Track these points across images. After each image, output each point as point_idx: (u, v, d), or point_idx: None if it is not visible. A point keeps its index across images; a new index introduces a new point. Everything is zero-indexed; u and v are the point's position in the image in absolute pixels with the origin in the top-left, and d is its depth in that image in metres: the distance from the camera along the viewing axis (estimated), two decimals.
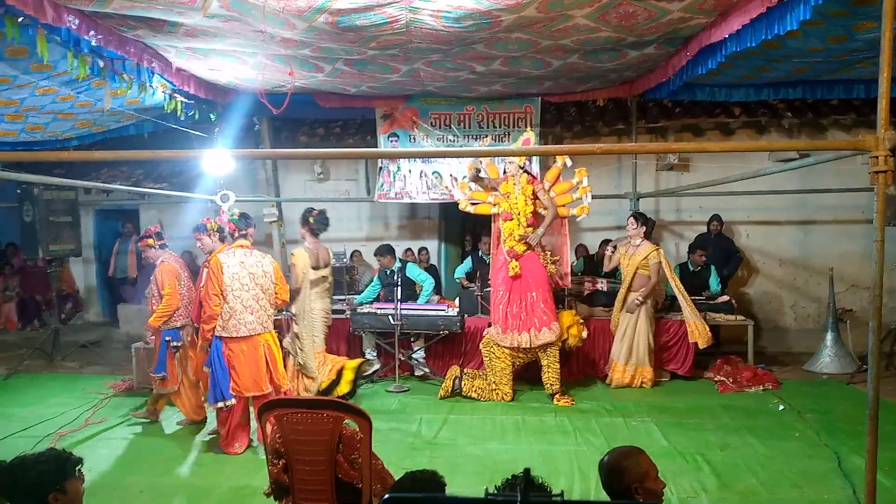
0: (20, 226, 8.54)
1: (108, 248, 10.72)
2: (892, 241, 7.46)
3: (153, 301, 5.91)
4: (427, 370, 7.51)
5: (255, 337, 5.25)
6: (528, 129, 7.40)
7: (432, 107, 8.51)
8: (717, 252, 8.50)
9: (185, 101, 6.99)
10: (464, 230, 10.23)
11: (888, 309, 6.98)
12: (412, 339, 7.52)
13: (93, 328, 10.44)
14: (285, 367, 5.85)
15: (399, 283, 7.22)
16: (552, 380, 6.59)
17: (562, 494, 1.13)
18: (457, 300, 7.74)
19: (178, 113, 6.99)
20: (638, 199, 8.59)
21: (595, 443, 5.37)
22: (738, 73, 6.83)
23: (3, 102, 6.27)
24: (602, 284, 7.97)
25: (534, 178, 6.90)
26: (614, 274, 7.84)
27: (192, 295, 6.02)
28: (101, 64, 5.34)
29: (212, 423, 5.76)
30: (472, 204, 7.07)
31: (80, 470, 2.66)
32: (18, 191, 8.64)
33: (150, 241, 6.02)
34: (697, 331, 6.95)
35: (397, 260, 7.74)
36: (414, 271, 7.78)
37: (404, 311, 7.14)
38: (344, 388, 6.42)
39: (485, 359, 6.81)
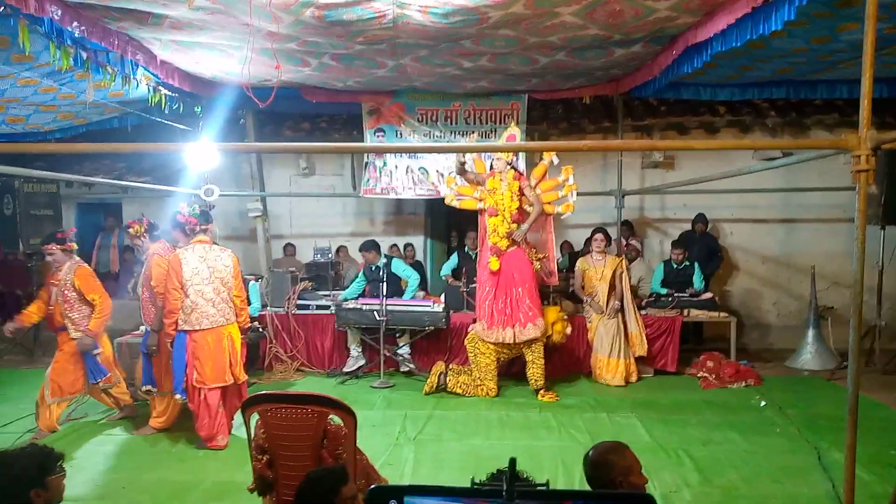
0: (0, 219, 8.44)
1: (90, 242, 10.60)
2: (873, 240, 7.61)
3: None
4: (412, 366, 7.51)
5: (219, 329, 5.35)
6: (513, 124, 7.40)
7: (419, 102, 8.48)
8: (702, 250, 8.57)
9: (170, 94, 6.92)
10: (450, 226, 10.22)
11: (868, 306, 7.04)
12: (397, 335, 7.51)
13: None
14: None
15: (384, 279, 7.21)
16: (537, 375, 6.61)
17: (547, 484, 1.14)
18: (442, 296, 7.74)
19: (163, 106, 6.91)
20: (623, 197, 8.62)
21: (579, 438, 5.40)
22: (724, 72, 6.87)
23: None
24: None
25: (520, 174, 6.91)
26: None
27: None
28: (85, 55, 5.26)
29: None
30: (459, 199, 7.07)
31: (61, 466, 2.65)
32: None
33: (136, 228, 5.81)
34: (636, 341, 7.24)
35: (382, 256, 7.73)
36: (399, 267, 7.77)
37: (389, 307, 7.13)
38: None
39: (469, 354, 6.82)
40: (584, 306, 7.53)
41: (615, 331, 7.12)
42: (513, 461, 1.01)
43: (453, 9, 4.79)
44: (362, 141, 8.65)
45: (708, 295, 7.94)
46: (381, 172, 8.73)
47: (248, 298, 7.37)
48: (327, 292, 7.96)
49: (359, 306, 7.36)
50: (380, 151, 8.80)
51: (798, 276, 9.23)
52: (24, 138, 8.13)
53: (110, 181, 8.54)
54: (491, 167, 6.89)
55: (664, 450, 5.11)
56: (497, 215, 6.64)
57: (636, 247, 9.00)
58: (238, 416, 5.31)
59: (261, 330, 7.46)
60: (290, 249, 9.73)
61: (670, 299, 7.76)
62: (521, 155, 8.11)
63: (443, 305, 7.35)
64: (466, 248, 8.47)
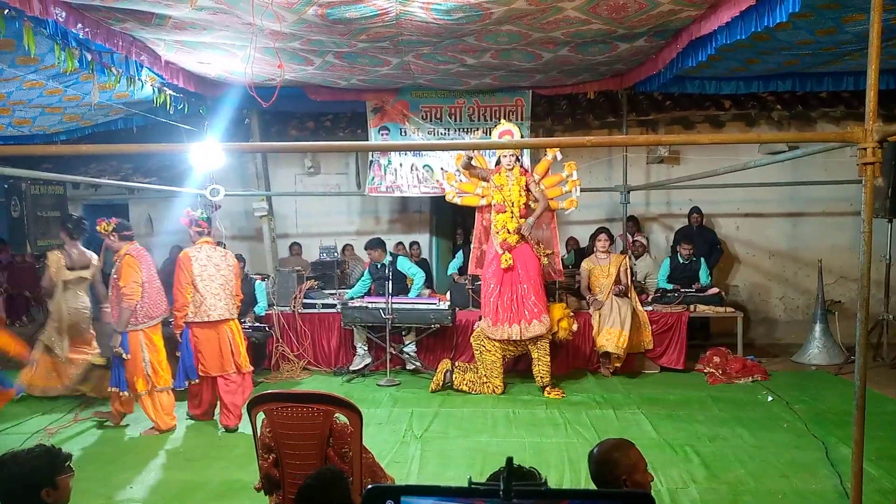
0: (7, 221, 8.46)
1: (97, 243, 10.64)
2: (879, 233, 7.56)
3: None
4: (418, 364, 7.51)
5: (222, 323, 5.77)
6: (504, 120, 7.36)
7: (423, 100, 8.48)
8: (701, 244, 8.55)
9: (175, 94, 6.93)
10: (455, 224, 10.21)
11: (875, 300, 7.02)
12: (403, 333, 7.52)
13: None
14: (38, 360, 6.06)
15: (390, 277, 7.21)
16: (543, 372, 6.61)
17: (545, 483, 1.13)
18: (448, 294, 7.75)
19: (168, 107, 6.93)
20: (628, 192, 8.61)
21: (585, 435, 5.39)
22: (728, 65, 6.84)
23: None
24: None
25: (526, 170, 6.91)
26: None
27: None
28: (89, 57, 5.28)
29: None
30: (460, 195, 7.06)
31: (69, 465, 2.67)
32: (6, 185, 8.55)
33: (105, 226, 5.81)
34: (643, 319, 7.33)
35: (388, 254, 7.73)
36: (405, 265, 7.77)
37: (395, 305, 7.14)
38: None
39: (475, 352, 6.82)
40: (587, 302, 7.53)
41: (618, 307, 7.14)
42: (510, 460, 1.01)
43: (456, 5, 4.78)
44: (367, 139, 8.66)
45: (714, 290, 7.91)
46: (385, 171, 8.74)
47: (254, 297, 7.46)
48: (333, 291, 7.98)
49: (365, 305, 7.37)
50: (384, 150, 8.80)
51: (805, 270, 9.19)
52: (30, 140, 8.18)
53: (116, 182, 8.58)
54: (498, 163, 6.87)
55: (671, 446, 5.09)
56: (505, 211, 6.62)
57: (643, 242, 8.98)
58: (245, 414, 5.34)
59: (267, 329, 7.48)
60: (295, 248, 9.75)
61: (676, 295, 7.74)
62: (526, 151, 8.10)
63: (448, 303, 7.35)
64: (472, 246, 8.45)
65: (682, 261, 8.14)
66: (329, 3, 4.67)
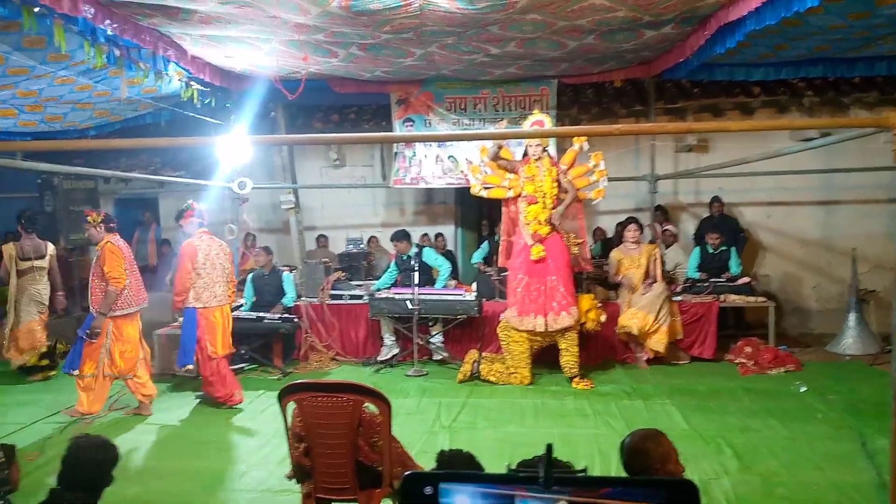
0: (41, 216, 8.63)
1: (128, 236, 10.80)
2: None
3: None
4: (445, 354, 7.52)
5: (223, 307, 6.15)
6: (537, 111, 7.31)
7: (447, 91, 8.46)
8: (725, 233, 8.40)
9: (201, 88, 7.01)
10: (480, 215, 10.19)
11: None
12: (430, 324, 7.53)
13: None
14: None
15: (416, 269, 7.22)
16: (571, 363, 6.58)
17: (585, 470, 1.12)
18: (474, 284, 7.74)
19: (195, 101, 7.01)
20: (656, 181, 8.51)
21: (615, 426, 5.36)
22: (758, 51, 6.71)
23: (23, 93, 6.31)
24: None
25: (555, 161, 6.86)
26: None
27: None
28: (118, 53, 5.35)
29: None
30: (486, 188, 7.03)
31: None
32: (39, 181, 8.75)
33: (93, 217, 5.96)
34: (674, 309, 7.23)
35: (413, 245, 7.74)
36: (430, 256, 7.78)
37: (422, 296, 7.15)
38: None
39: (502, 343, 6.80)
40: (618, 291, 7.47)
41: (648, 296, 7.07)
42: (549, 447, 0.99)
43: None
44: (391, 131, 8.66)
45: (744, 280, 7.80)
46: (410, 162, 8.73)
47: (282, 289, 7.54)
48: (360, 282, 8.02)
49: (391, 296, 7.39)
50: (409, 141, 8.80)
51: (838, 258, 9.01)
52: (62, 136, 8.31)
53: (146, 176, 8.70)
54: (525, 154, 6.83)
55: (702, 437, 5.04)
56: (537, 202, 6.58)
57: (673, 232, 8.88)
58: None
59: (296, 320, 7.55)
60: (322, 240, 9.81)
61: (706, 285, 7.65)
62: (552, 141, 8.04)
63: (474, 294, 7.34)
64: (497, 237, 8.43)
65: (711, 251, 8.03)
66: None
